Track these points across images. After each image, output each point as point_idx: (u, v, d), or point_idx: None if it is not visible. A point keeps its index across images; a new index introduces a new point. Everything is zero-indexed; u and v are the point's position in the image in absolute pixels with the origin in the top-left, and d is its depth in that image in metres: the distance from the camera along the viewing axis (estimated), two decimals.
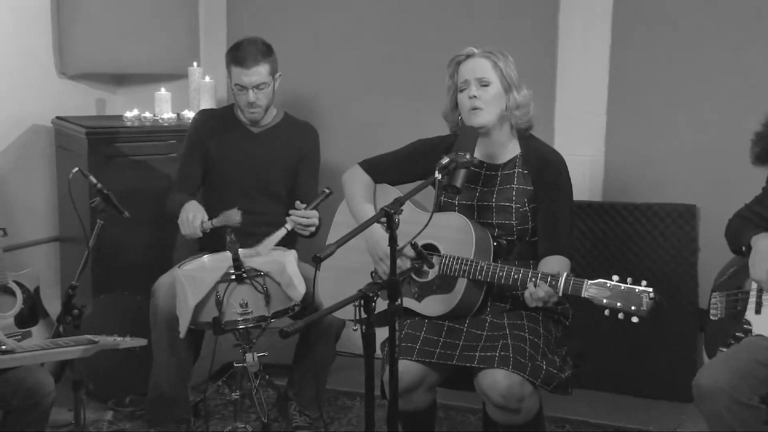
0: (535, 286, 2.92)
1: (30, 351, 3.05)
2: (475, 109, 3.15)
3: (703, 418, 2.86)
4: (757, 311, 3.04)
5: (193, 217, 3.70)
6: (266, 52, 3.94)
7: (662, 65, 4.29)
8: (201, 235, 3.71)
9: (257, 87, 3.91)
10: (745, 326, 3.05)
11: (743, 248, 3.10)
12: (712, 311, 3.18)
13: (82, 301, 3.64)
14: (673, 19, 4.24)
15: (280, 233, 3.64)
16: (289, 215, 3.69)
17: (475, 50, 3.20)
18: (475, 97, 3.14)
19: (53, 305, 4.06)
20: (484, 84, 3.15)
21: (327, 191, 3.69)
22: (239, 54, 3.90)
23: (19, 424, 2.98)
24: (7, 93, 4.51)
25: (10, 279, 3.86)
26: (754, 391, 2.79)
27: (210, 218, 3.71)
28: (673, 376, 4.22)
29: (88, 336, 3.27)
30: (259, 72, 3.90)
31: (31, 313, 3.92)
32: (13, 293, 3.88)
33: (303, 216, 3.67)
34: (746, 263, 3.07)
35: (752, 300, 3.06)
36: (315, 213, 3.71)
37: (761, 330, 3.01)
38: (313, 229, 3.73)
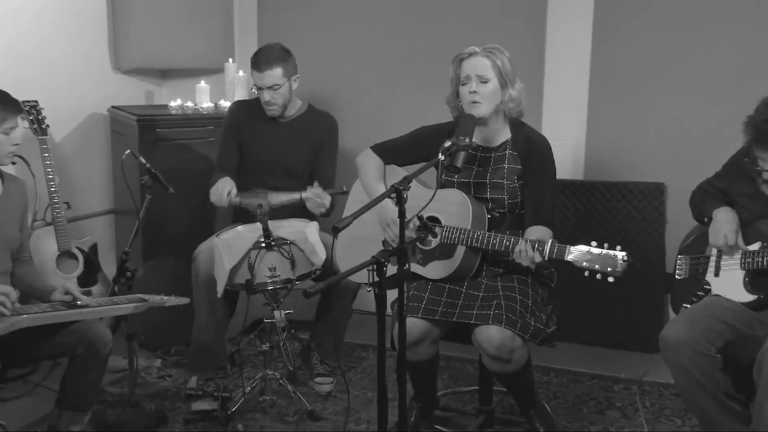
0: (525, 244, 2.91)
1: (91, 307, 3.08)
2: (474, 102, 3.13)
3: (668, 366, 2.86)
4: (716, 274, 3.04)
5: (222, 188, 3.72)
6: (281, 57, 3.89)
7: (636, 63, 4.27)
8: (227, 204, 3.72)
9: (271, 88, 3.89)
10: (705, 287, 3.06)
11: (705, 219, 3.10)
12: (677, 271, 3.18)
13: (133, 265, 3.68)
14: (647, 22, 4.23)
15: (294, 195, 3.70)
16: (307, 188, 3.72)
17: (477, 49, 3.16)
18: (475, 92, 3.12)
19: (109, 269, 4.08)
20: (483, 81, 3.12)
21: (344, 189, 3.70)
22: (255, 59, 3.90)
23: (83, 369, 3.01)
24: (70, 86, 4.52)
25: (73, 245, 3.88)
26: (711, 343, 2.80)
27: (239, 195, 3.73)
28: (642, 330, 4.23)
29: (139, 295, 3.28)
30: (272, 75, 3.86)
31: (90, 275, 3.95)
32: (75, 258, 3.90)
33: (317, 194, 3.68)
34: (707, 231, 3.07)
35: (712, 264, 3.07)
36: (329, 197, 3.72)
37: (719, 290, 3.01)
38: (323, 210, 3.75)
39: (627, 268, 2.77)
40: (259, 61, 3.87)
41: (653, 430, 3.45)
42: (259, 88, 3.90)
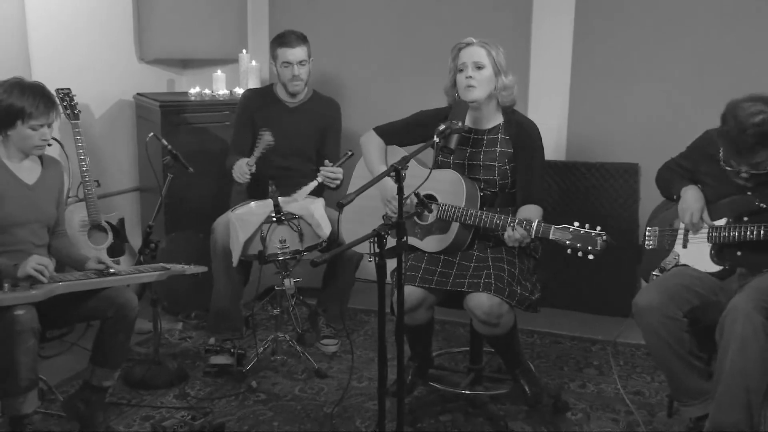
0: (512, 230, 2.91)
1: (119, 275, 3.10)
2: (470, 86, 3.12)
3: (640, 328, 2.87)
4: (684, 246, 3.05)
5: (241, 163, 3.72)
6: (304, 38, 3.98)
7: (614, 54, 4.27)
8: (249, 177, 3.72)
9: (300, 63, 3.92)
10: (674, 257, 3.07)
11: (675, 196, 3.10)
12: (647, 242, 3.16)
13: (157, 237, 3.68)
14: (624, 17, 4.23)
15: (312, 184, 3.67)
16: (319, 171, 3.71)
17: (474, 40, 3.15)
18: (471, 77, 3.11)
19: (135, 241, 4.09)
20: (479, 67, 3.11)
21: (349, 153, 3.70)
22: (285, 39, 3.94)
23: (113, 330, 3.03)
24: (99, 75, 4.50)
25: (102, 219, 3.89)
26: (679, 308, 2.81)
27: (252, 155, 3.72)
28: (616, 297, 4.25)
29: (162, 264, 3.30)
30: (302, 51, 3.94)
31: (118, 246, 3.96)
32: (105, 230, 3.92)
33: (331, 171, 3.69)
34: (674, 206, 3.07)
35: (680, 237, 3.07)
36: (340, 170, 3.73)
37: (687, 261, 3.02)
38: (338, 182, 3.75)
39: (605, 247, 2.76)
40: (291, 39, 3.94)
41: (626, 386, 3.49)
42: (289, 63, 3.93)
